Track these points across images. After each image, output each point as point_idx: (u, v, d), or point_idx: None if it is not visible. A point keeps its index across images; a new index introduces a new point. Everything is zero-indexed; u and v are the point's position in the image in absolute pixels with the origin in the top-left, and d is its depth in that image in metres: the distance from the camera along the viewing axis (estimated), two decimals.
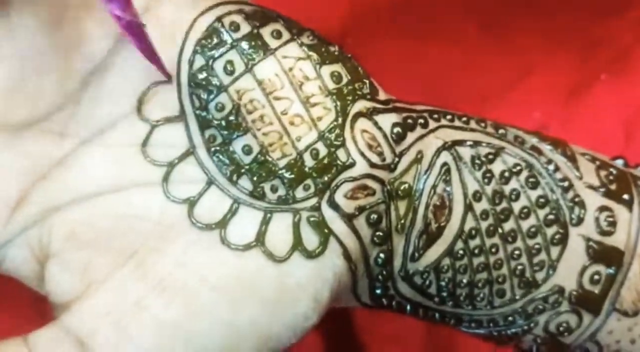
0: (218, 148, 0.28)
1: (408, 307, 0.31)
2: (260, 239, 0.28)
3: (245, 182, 0.28)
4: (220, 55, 0.28)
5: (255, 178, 0.28)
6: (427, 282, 0.30)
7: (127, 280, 0.27)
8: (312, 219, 0.28)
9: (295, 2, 0.40)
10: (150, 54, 0.27)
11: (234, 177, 0.28)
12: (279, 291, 0.28)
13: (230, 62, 0.28)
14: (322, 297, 0.28)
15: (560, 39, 0.44)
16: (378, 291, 0.30)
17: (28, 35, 0.27)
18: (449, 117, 0.31)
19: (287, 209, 0.28)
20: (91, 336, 0.27)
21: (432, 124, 0.31)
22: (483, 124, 0.32)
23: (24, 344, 0.27)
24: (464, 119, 0.32)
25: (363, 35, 0.43)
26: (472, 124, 0.31)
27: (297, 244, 0.28)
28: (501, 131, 0.32)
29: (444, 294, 0.31)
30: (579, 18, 0.44)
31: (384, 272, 0.30)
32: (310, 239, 0.28)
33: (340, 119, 0.29)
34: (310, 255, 0.28)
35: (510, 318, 0.31)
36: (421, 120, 0.30)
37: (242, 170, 0.28)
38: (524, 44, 0.44)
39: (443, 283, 0.30)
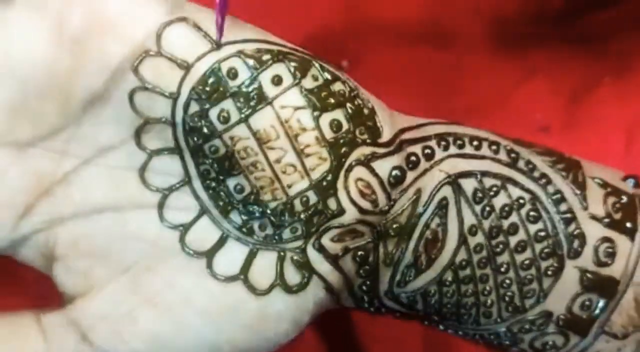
0: (212, 183, 0.29)
1: (397, 315, 0.32)
2: (244, 273, 0.29)
3: (235, 217, 0.29)
4: (216, 103, 0.28)
5: (245, 215, 0.29)
6: (414, 302, 0.31)
7: (122, 291, 0.29)
8: (296, 258, 0.29)
9: (296, 10, 0.40)
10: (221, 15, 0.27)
11: (226, 211, 0.29)
12: (260, 319, 0.29)
13: (225, 110, 0.28)
14: (302, 321, 0.30)
15: (564, 43, 0.44)
16: (365, 305, 0.31)
17: (27, 62, 0.28)
18: (459, 142, 0.31)
19: (273, 248, 0.29)
20: (92, 330, 0.29)
21: (439, 155, 0.30)
22: (495, 148, 0.31)
23: (36, 322, 0.29)
24: (476, 143, 0.31)
25: (364, 39, 0.43)
26: (484, 149, 0.31)
27: (280, 281, 0.29)
28: (513, 156, 0.31)
29: (430, 311, 0.32)
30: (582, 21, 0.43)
31: (369, 295, 0.31)
32: (293, 276, 0.29)
33: (335, 169, 0.29)
34: (291, 291, 0.29)
35: (495, 334, 0.32)
36: (427, 151, 0.30)
37: (234, 206, 0.29)
38: (527, 47, 0.44)
39: (430, 304, 0.31)
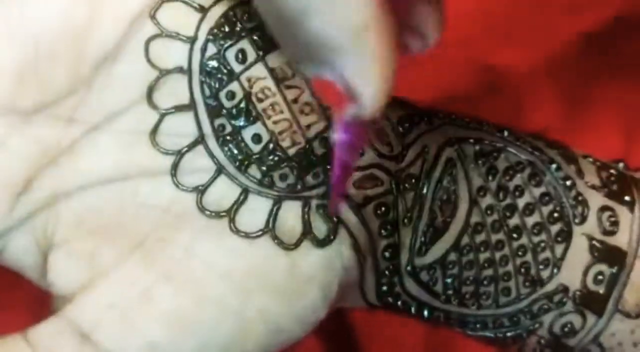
0: (227, 137, 0.28)
1: (413, 308, 0.31)
2: (269, 227, 0.28)
3: (254, 171, 0.28)
4: (233, 44, 0.28)
5: (264, 167, 0.28)
6: (434, 279, 0.30)
7: (134, 270, 0.27)
8: (322, 207, 0.28)
9: None
10: (339, 193, 0.27)
11: (243, 166, 0.28)
12: (289, 280, 0.28)
13: (242, 50, 0.28)
14: (330, 289, 0.28)
15: (564, 43, 0.44)
16: (384, 288, 0.30)
17: (42, 18, 0.27)
18: (452, 116, 0.32)
19: (297, 197, 0.28)
20: (95, 329, 0.26)
21: (436, 121, 0.31)
22: (486, 126, 0.32)
23: (24, 341, 0.27)
24: (466, 119, 0.32)
25: None
26: (475, 124, 0.32)
27: (307, 232, 0.28)
28: (505, 133, 0.32)
29: (450, 291, 0.31)
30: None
31: (391, 267, 0.30)
32: (320, 227, 0.28)
33: None
34: (320, 243, 0.28)
35: (515, 318, 0.31)
36: (425, 117, 0.31)
37: (252, 159, 0.28)
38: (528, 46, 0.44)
39: (449, 280, 0.30)
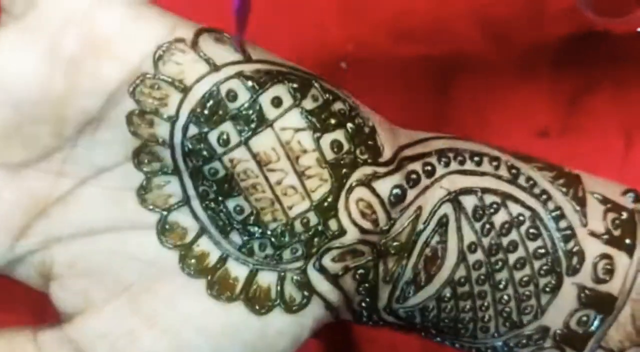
0: (211, 203, 0.29)
1: (395, 327, 0.32)
2: (244, 293, 0.29)
3: (235, 237, 0.29)
4: (215, 127, 0.28)
5: (245, 236, 0.29)
6: (412, 316, 0.31)
7: (121, 311, 0.29)
8: (296, 278, 0.29)
9: (296, 11, 0.39)
10: (240, 28, 0.26)
11: (225, 231, 0.29)
12: (260, 337, 0.29)
13: (224, 133, 0.28)
14: (301, 337, 0.30)
15: (563, 46, 0.44)
16: (364, 319, 0.32)
17: (21, 86, 0.27)
18: (460, 158, 0.31)
19: (274, 268, 0.29)
20: (90, 350, 0.29)
21: (440, 171, 0.30)
22: (496, 164, 0.31)
23: (32, 340, 0.29)
24: (477, 158, 0.31)
25: (362, 41, 0.43)
26: (485, 165, 0.31)
27: (280, 301, 0.29)
28: (514, 171, 0.31)
29: (428, 325, 0.32)
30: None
31: (367, 311, 0.31)
32: (293, 296, 0.29)
33: (336, 190, 0.29)
34: (291, 310, 0.29)
35: (492, 348, 0.32)
36: (428, 168, 0.30)
37: (234, 226, 0.29)
38: (527, 50, 0.44)
39: (428, 319, 0.31)
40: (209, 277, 0.29)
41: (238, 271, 0.29)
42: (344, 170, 0.29)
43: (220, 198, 0.29)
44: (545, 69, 0.44)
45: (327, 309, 0.30)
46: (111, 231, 0.29)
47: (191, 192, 0.29)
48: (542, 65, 0.44)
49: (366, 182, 0.29)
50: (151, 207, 0.29)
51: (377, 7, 0.43)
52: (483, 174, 0.31)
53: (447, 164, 0.31)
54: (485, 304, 0.31)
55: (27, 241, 0.29)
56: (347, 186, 0.29)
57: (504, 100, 0.44)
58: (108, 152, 0.29)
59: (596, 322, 0.31)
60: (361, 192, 0.29)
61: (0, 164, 0.28)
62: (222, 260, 0.29)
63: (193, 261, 0.29)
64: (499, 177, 0.31)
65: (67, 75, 0.27)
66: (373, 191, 0.29)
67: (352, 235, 0.29)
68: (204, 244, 0.29)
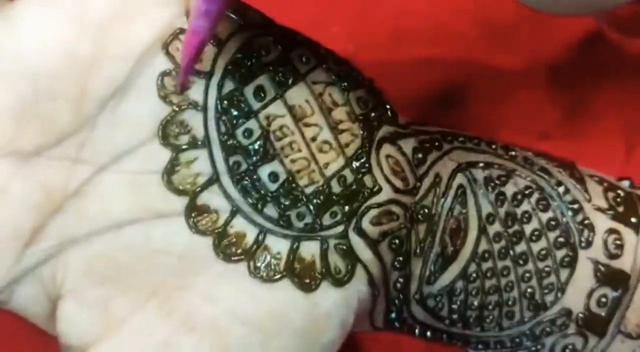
0: (243, 175, 0.27)
1: (417, 330, 0.31)
2: (289, 269, 0.27)
3: (270, 211, 0.27)
4: (251, 80, 0.27)
5: (281, 206, 0.27)
6: (440, 304, 0.30)
7: (151, 318, 0.26)
8: (339, 246, 0.28)
9: (295, 11, 0.39)
10: (189, 61, 0.26)
11: (259, 206, 0.27)
12: (309, 321, 0.27)
13: (261, 87, 0.27)
14: (347, 323, 0.28)
15: (564, 48, 0.44)
16: (393, 315, 0.30)
17: (40, 53, 0.25)
18: (460, 139, 0.31)
19: (315, 236, 0.28)
20: None
21: (446, 146, 0.31)
22: (494, 146, 0.32)
23: None
24: (475, 141, 0.32)
25: (363, 39, 0.43)
26: (483, 146, 0.31)
27: (326, 272, 0.28)
28: (511, 153, 0.32)
29: (455, 316, 0.31)
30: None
31: (401, 296, 0.30)
32: (338, 266, 0.28)
33: (367, 145, 0.28)
34: (339, 283, 0.28)
35: (517, 340, 0.32)
36: (436, 143, 0.30)
37: (268, 198, 0.27)
38: (528, 53, 0.44)
39: (455, 306, 0.31)
40: (250, 259, 0.27)
41: (279, 246, 0.27)
42: (373, 124, 0.29)
43: (252, 168, 0.27)
44: (547, 72, 0.44)
45: (369, 284, 0.28)
46: (134, 223, 0.27)
47: (221, 166, 0.27)
48: (544, 68, 0.44)
49: (392, 139, 0.29)
50: (179, 189, 0.27)
51: (378, 7, 0.44)
52: (484, 152, 0.31)
53: (450, 142, 0.31)
54: (510, 282, 0.31)
55: (39, 247, 0.26)
56: (376, 142, 0.29)
57: (505, 103, 0.44)
58: (131, 130, 0.27)
59: (614, 301, 0.31)
60: (389, 149, 0.29)
61: (10, 152, 0.26)
62: (261, 238, 0.27)
63: (229, 244, 0.27)
64: (499, 156, 0.31)
65: (95, 38, 0.26)
66: (399, 149, 0.29)
67: (386, 193, 0.28)
68: (238, 225, 0.27)
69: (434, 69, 0.44)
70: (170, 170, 0.27)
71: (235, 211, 0.27)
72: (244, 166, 0.27)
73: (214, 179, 0.27)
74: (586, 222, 0.31)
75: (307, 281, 0.27)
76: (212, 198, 0.27)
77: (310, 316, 0.27)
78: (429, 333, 0.31)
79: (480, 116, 0.42)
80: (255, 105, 0.27)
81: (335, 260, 0.28)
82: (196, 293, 0.26)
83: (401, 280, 0.29)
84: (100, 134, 0.26)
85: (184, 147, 0.27)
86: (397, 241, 0.29)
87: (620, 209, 0.32)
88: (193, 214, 0.27)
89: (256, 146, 0.27)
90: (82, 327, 0.26)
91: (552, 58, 0.44)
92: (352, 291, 0.28)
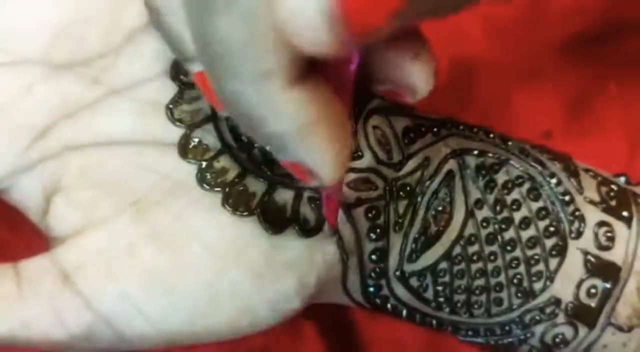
0: None
1: (404, 312, 0.32)
2: (259, 209, 0.29)
3: (256, 155, 0.29)
4: None
5: (266, 153, 0.29)
6: (424, 285, 0.31)
7: (124, 224, 0.28)
8: (313, 199, 0.29)
9: None
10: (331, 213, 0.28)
11: (248, 148, 0.29)
12: (267, 263, 0.29)
13: None
14: (307, 281, 0.29)
15: (568, 47, 0.44)
16: (371, 289, 0.31)
17: None
18: (460, 127, 0.32)
19: (291, 186, 0.29)
20: (77, 270, 0.28)
21: (444, 132, 0.31)
22: (491, 135, 0.32)
23: (13, 269, 0.28)
24: (474, 129, 0.32)
25: None
26: (481, 135, 0.32)
27: (294, 219, 0.29)
28: (508, 143, 0.32)
29: (441, 299, 0.31)
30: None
31: (377, 269, 0.31)
32: (307, 218, 0.29)
33: (356, 110, 0.29)
34: (304, 233, 0.29)
35: (507, 327, 0.32)
36: (434, 129, 0.31)
37: (256, 144, 0.29)
38: (532, 51, 0.44)
39: (440, 288, 0.31)
40: (227, 190, 0.29)
41: (256, 186, 0.29)
42: (364, 95, 0.30)
43: None
44: (549, 71, 0.44)
45: (338, 247, 0.29)
46: (132, 143, 0.29)
47: None
48: (546, 67, 0.44)
49: (383, 112, 0.30)
50: (178, 121, 0.29)
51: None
52: (481, 140, 0.32)
53: (448, 128, 0.32)
54: (497, 269, 0.31)
55: (45, 144, 0.29)
56: (366, 110, 0.30)
57: (507, 102, 0.44)
58: (148, 63, 0.29)
59: (604, 293, 0.31)
60: (377, 120, 0.30)
61: (42, 61, 0.29)
62: (242, 175, 0.29)
63: (211, 175, 0.29)
64: (496, 145, 0.32)
65: None
66: (389, 123, 0.30)
67: (367, 160, 0.30)
68: (224, 161, 0.29)
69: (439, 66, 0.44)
70: (173, 103, 0.29)
71: (224, 149, 0.29)
72: None
73: (211, 118, 0.29)
74: (577, 213, 0.31)
75: (274, 223, 0.29)
76: (207, 135, 0.29)
77: (268, 259, 0.29)
78: (417, 317, 0.32)
79: (481, 116, 0.42)
80: None
81: (306, 211, 0.29)
82: (169, 212, 0.28)
83: (377, 252, 0.30)
84: (122, 62, 0.29)
85: (189, 83, 0.29)
86: (373, 211, 0.30)
87: (613, 202, 0.32)
88: (185, 142, 0.29)
89: None
90: (66, 222, 0.29)
91: (555, 57, 0.44)
92: (317, 246, 0.29)
